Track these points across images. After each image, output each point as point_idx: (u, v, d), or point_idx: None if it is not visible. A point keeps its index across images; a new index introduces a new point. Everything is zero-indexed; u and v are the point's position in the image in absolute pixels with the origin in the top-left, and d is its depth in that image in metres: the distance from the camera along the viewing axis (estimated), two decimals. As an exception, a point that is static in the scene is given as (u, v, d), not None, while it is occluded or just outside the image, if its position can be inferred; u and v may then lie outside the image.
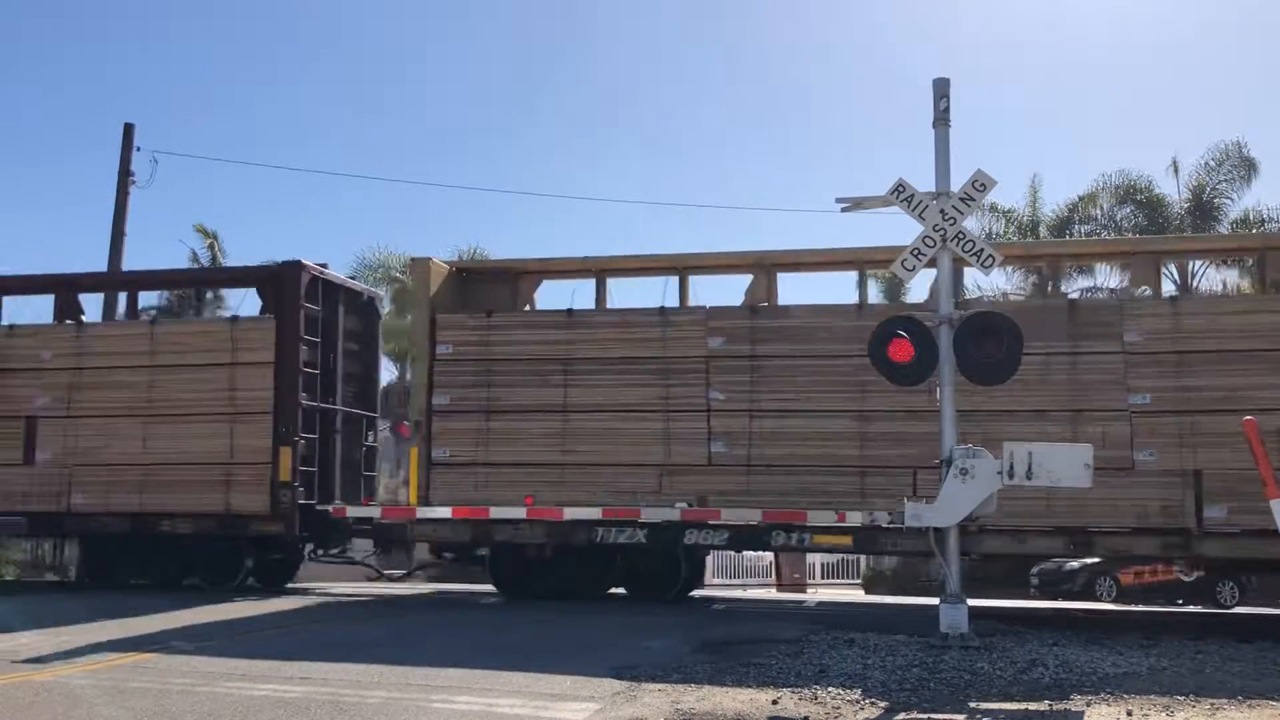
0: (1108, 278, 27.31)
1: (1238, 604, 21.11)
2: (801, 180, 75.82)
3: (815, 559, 25.12)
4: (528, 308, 15.67)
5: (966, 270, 16.54)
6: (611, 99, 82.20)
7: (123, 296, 20.40)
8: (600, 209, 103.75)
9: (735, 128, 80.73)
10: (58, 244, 69.14)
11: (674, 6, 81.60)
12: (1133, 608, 17.97)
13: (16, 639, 10.24)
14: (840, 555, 23.93)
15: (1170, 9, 68.04)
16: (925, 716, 6.98)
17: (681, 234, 72.53)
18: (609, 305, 15.18)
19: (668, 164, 78.17)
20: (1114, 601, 22.02)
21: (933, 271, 11.20)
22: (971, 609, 10.03)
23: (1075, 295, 24.41)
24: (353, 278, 19.66)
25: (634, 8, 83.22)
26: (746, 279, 14.94)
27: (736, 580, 24.03)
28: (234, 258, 38.30)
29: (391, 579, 17.78)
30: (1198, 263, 26.87)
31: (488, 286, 15.91)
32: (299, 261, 16.12)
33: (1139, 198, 29.76)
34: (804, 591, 23.34)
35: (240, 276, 19.33)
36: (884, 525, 11.74)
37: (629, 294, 23.44)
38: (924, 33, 76.08)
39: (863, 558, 24.49)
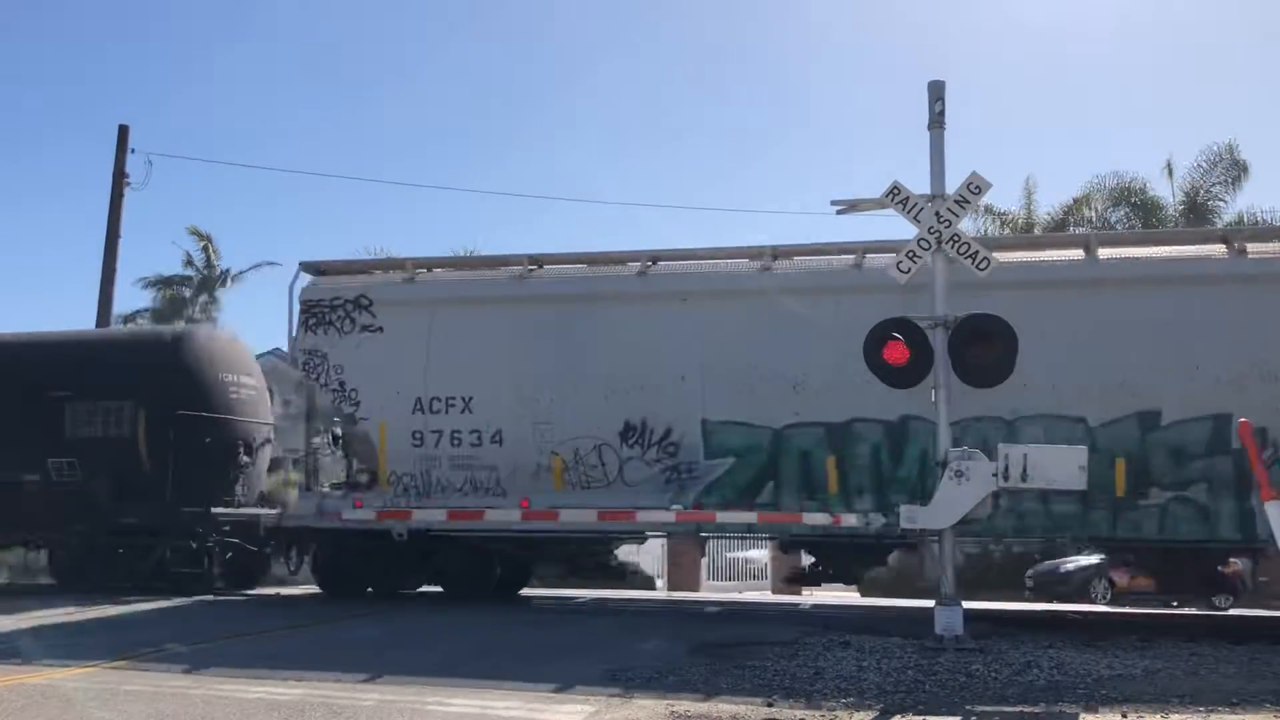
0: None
1: (1231, 606, 21.13)
2: (800, 181, 75.96)
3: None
4: None
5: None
6: (610, 99, 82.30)
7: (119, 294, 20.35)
8: (599, 209, 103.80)
9: (735, 128, 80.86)
10: (53, 246, 68.97)
11: (674, 6, 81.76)
12: (1127, 610, 17.97)
13: (10, 642, 10.20)
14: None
15: (1167, 11, 68.27)
16: (920, 719, 6.97)
17: (681, 234, 72.44)
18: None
19: (667, 164, 78.28)
20: (1109, 603, 22.03)
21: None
22: (966, 611, 10.02)
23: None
24: None
25: (633, 7, 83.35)
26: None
27: (732, 582, 24.01)
28: (229, 259, 38.44)
29: None
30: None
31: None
32: None
33: (1133, 200, 29.55)
34: (799, 593, 23.28)
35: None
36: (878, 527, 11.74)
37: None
38: (923, 33, 76.28)
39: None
